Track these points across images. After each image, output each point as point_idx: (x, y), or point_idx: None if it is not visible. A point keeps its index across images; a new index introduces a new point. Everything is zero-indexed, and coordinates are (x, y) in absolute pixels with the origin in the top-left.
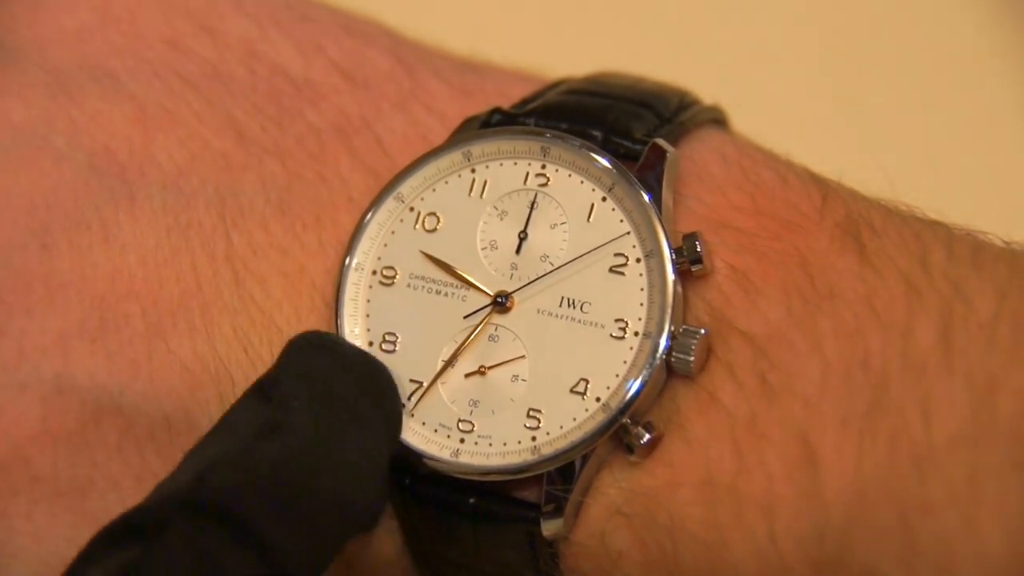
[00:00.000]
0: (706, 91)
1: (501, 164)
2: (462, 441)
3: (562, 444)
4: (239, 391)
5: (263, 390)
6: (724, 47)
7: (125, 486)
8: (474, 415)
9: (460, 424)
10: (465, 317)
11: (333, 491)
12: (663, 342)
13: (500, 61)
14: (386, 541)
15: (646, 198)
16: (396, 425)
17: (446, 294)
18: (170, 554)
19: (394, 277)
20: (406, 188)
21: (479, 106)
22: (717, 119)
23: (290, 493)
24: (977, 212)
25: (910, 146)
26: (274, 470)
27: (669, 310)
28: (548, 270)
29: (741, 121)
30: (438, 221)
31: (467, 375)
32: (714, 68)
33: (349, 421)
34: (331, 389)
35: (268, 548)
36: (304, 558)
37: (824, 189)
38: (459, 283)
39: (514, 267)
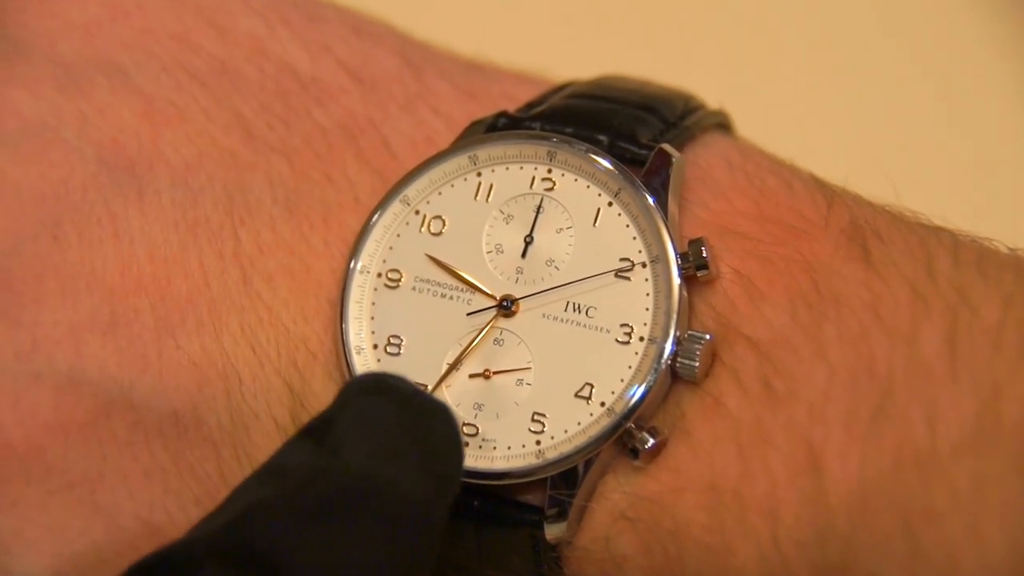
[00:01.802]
0: (711, 95)
1: (507, 168)
2: (466, 444)
3: (566, 448)
4: (246, 389)
5: (314, 431)
6: (729, 51)
7: (134, 480)
8: (479, 419)
9: (465, 427)
10: (470, 319)
11: (379, 543)
12: (668, 347)
13: (506, 63)
14: None
15: (652, 203)
16: (456, 473)
17: (451, 297)
18: None
19: (399, 280)
20: (412, 191)
21: (485, 109)
22: (722, 123)
23: (332, 544)
24: (983, 218)
25: (915, 151)
26: (317, 519)
27: (675, 315)
28: (554, 277)
29: (746, 126)
30: (444, 224)
31: (472, 378)
32: (719, 72)
33: (402, 471)
34: (386, 436)
35: None
36: None
37: (829, 195)
38: (464, 287)
39: (520, 271)
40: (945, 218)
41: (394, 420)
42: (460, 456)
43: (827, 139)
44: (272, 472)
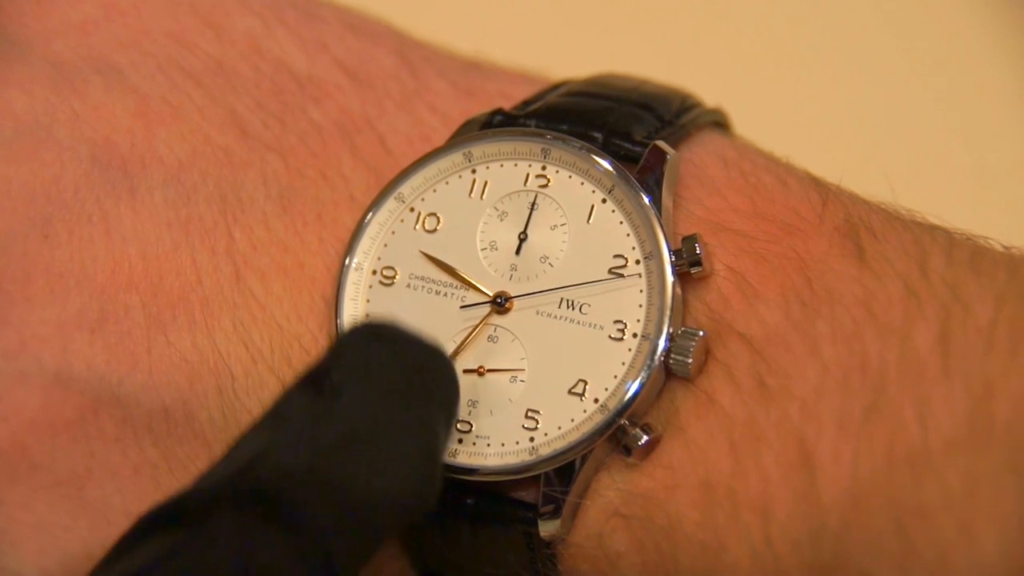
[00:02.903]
0: (709, 94)
1: (502, 165)
2: (460, 441)
3: (560, 445)
4: (238, 386)
5: (313, 379)
6: (727, 50)
7: (123, 476)
8: (472, 415)
9: (458, 424)
10: (464, 316)
11: (383, 482)
12: (662, 344)
13: (506, 63)
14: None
15: (646, 200)
16: (453, 409)
17: (445, 294)
18: (213, 541)
19: (394, 277)
20: (407, 188)
21: (482, 107)
22: (719, 122)
23: (338, 483)
24: (981, 216)
25: (913, 149)
26: (322, 457)
27: (668, 312)
28: (548, 274)
29: (744, 124)
30: (438, 222)
31: (466, 374)
32: (717, 71)
33: (402, 411)
34: (383, 377)
35: (313, 538)
36: (350, 548)
37: (824, 193)
38: (459, 283)
39: (514, 268)
40: (942, 216)
41: (390, 363)
42: (456, 394)
43: (824, 137)
44: (274, 419)
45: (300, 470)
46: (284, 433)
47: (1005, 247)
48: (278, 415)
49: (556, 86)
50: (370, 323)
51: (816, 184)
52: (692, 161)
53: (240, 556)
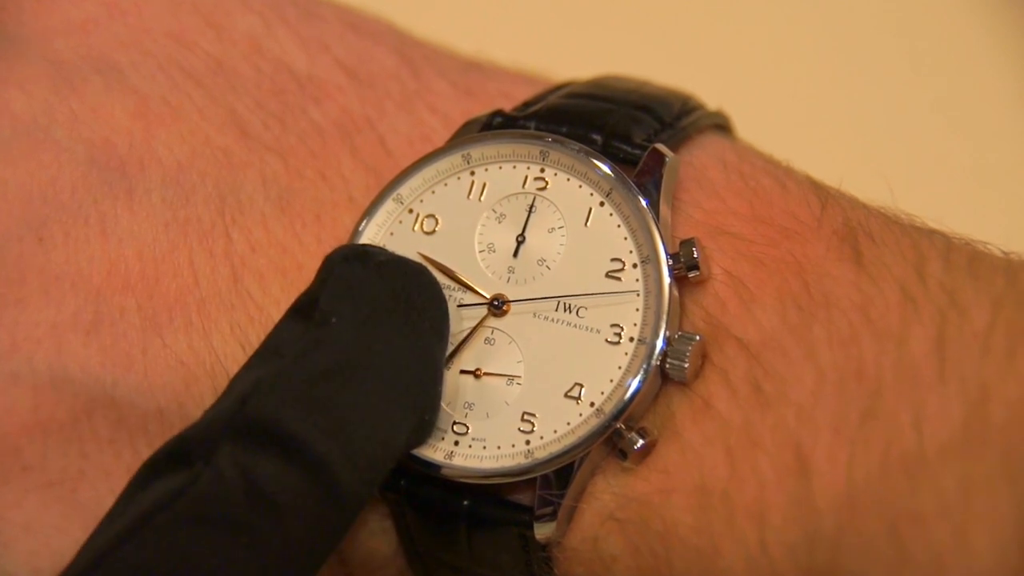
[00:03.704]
0: (710, 95)
1: (500, 167)
2: (456, 443)
3: (555, 448)
4: None
5: (302, 309)
6: (728, 51)
7: (117, 477)
8: (469, 418)
9: (455, 426)
10: (461, 318)
11: (382, 400)
12: (658, 348)
13: (506, 62)
14: (381, 541)
15: (643, 203)
16: (443, 326)
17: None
18: (219, 475)
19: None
20: (405, 190)
21: (483, 107)
22: (720, 125)
23: (337, 405)
24: (982, 220)
25: (914, 153)
26: (318, 384)
27: (665, 316)
28: (545, 277)
29: (745, 126)
30: (437, 223)
31: (462, 375)
32: (718, 72)
33: (393, 329)
34: (371, 299)
35: (318, 462)
36: (357, 469)
37: (823, 197)
38: (456, 285)
39: (511, 270)
40: (941, 218)
41: (378, 286)
42: (446, 313)
43: (825, 139)
44: (268, 351)
45: (296, 398)
46: (278, 363)
47: (1004, 252)
48: (270, 348)
49: (557, 87)
50: (354, 246)
51: (815, 188)
52: (691, 164)
53: (245, 487)
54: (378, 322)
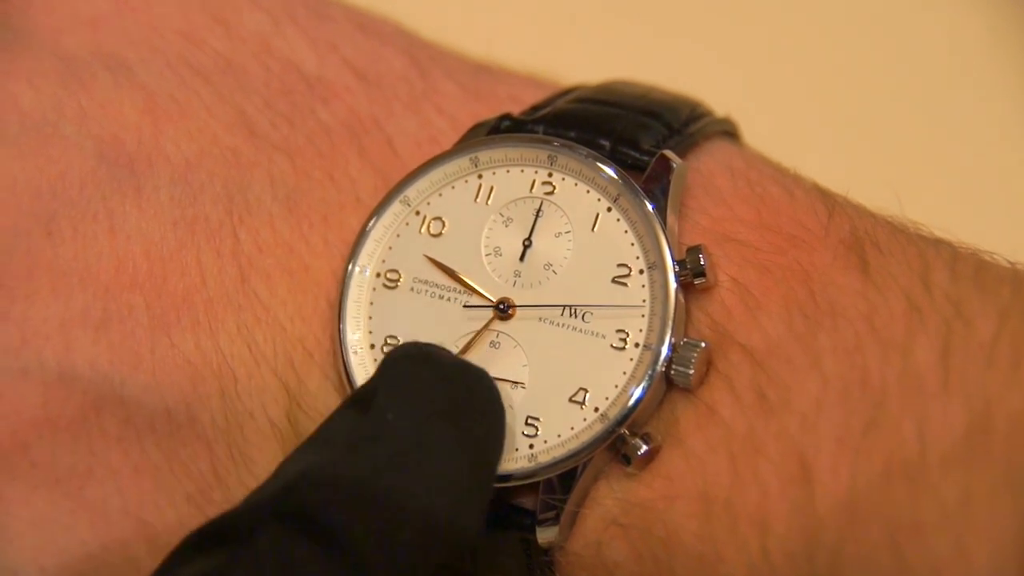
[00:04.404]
0: (720, 101)
1: (508, 171)
2: None
3: (559, 453)
4: (241, 388)
5: (360, 401)
6: (739, 57)
7: (124, 476)
8: None
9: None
10: (467, 322)
11: (428, 504)
12: (663, 354)
13: (516, 65)
14: None
15: (651, 209)
16: (499, 438)
17: (449, 299)
18: (257, 560)
19: (398, 280)
20: (413, 192)
21: (491, 110)
22: (729, 131)
23: (383, 505)
24: (989, 228)
25: (922, 162)
26: (367, 481)
27: (670, 322)
28: (552, 281)
29: (752, 134)
30: (443, 226)
31: None
32: (728, 78)
33: (448, 434)
34: (430, 401)
35: (357, 560)
36: (393, 568)
37: (831, 205)
38: (462, 288)
39: (517, 274)
40: (950, 229)
41: (437, 384)
42: (502, 415)
43: (832, 148)
44: (320, 441)
45: (345, 488)
46: (329, 452)
47: (1010, 263)
48: (324, 436)
49: (565, 92)
50: (418, 345)
51: (823, 196)
52: (699, 171)
53: (281, 574)
54: (434, 425)
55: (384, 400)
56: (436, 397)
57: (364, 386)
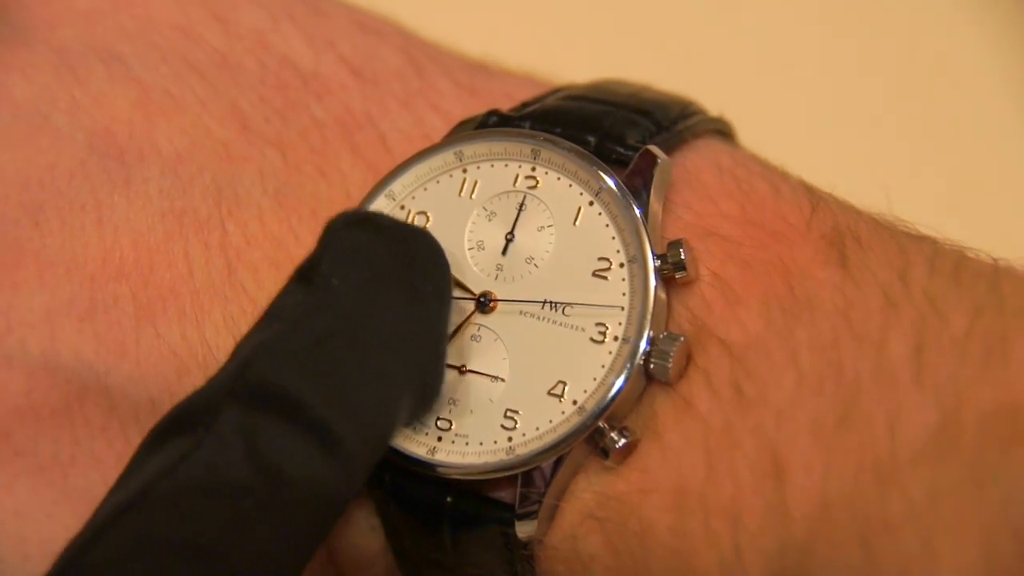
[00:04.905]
0: (718, 100)
1: (492, 165)
2: (439, 439)
3: (537, 446)
4: None
5: (304, 274)
6: (736, 55)
7: (108, 465)
8: (452, 414)
9: (438, 422)
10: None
11: (386, 362)
12: (642, 347)
13: (514, 65)
14: (370, 539)
15: (632, 203)
16: (446, 290)
17: None
18: (221, 440)
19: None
20: (397, 186)
21: (485, 108)
22: (721, 131)
23: (340, 368)
24: (982, 226)
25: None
26: (320, 346)
27: (649, 315)
28: (533, 275)
29: (748, 134)
30: (427, 220)
31: (447, 371)
32: (726, 76)
33: (395, 292)
34: (374, 263)
35: (320, 424)
36: (360, 432)
37: (815, 200)
38: None
39: (499, 268)
40: (940, 228)
41: (379, 248)
42: (448, 275)
43: (822, 146)
44: (269, 318)
45: (297, 361)
46: (280, 326)
47: (993, 259)
48: (273, 312)
49: (556, 90)
50: (357, 211)
51: (809, 191)
52: (685, 166)
53: (247, 451)
54: (380, 285)
55: (327, 267)
56: (380, 258)
57: (307, 258)
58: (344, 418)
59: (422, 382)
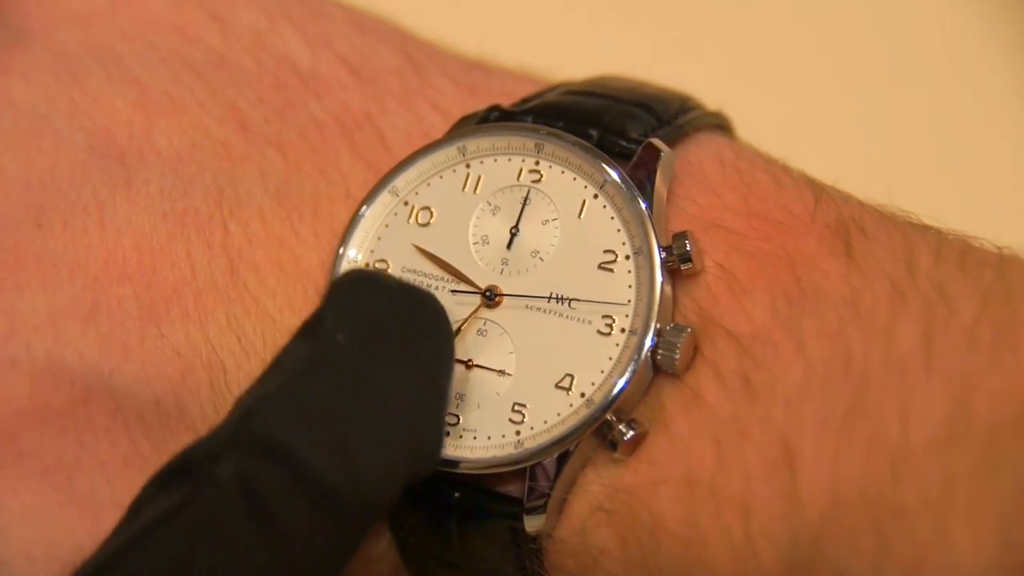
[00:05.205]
0: (715, 96)
1: (495, 160)
2: (447, 434)
3: (545, 439)
4: (231, 379)
5: (309, 329)
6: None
7: (112, 467)
8: (460, 408)
9: (446, 416)
10: (454, 309)
11: (383, 420)
12: (649, 339)
13: (511, 63)
14: (376, 535)
15: (636, 196)
16: (449, 353)
17: (436, 288)
18: (220, 490)
19: (386, 270)
20: (401, 182)
21: (483, 105)
22: (720, 125)
23: (340, 424)
24: (978, 217)
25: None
26: (322, 401)
27: (656, 307)
28: (539, 269)
29: (745, 127)
30: (431, 215)
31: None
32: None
33: (398, 351)
34: (378, 321)
35: (318, 478)
36: (357, 488)
37: (818, 192)
38: (450, 277)
39: (505, 262)
40: (941, 220)
41: (384, 307)
42: (451, 338)
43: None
44: (273, 371)
45: (298, 414)
46: (283, 378)
47: (997, 247)
48: (277, 365)
49: (556, 86)
50: (363, 270)
51: (811, 183)
52: (687, 159)
53: (246, 501)
54: (383, 344)
55: (332, 323)
56: (384, 317)
57: (313, 314)
58: (342, 473)
59: (420, 442)
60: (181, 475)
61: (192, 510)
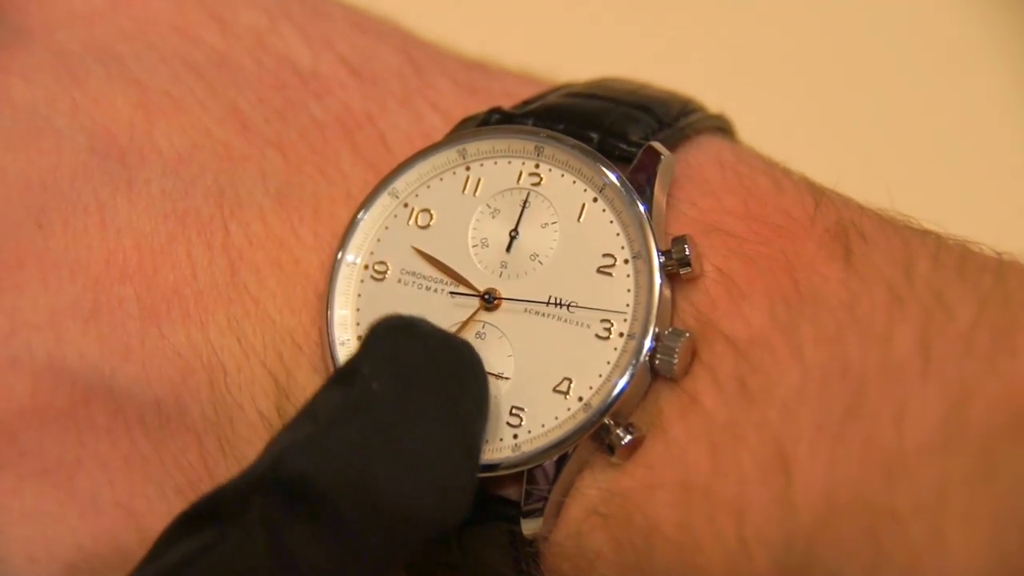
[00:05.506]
0: (718, 98)
1: (495, 163)
2: None
3: (542, 443)
4: (231, 380)
5: (343, 376)
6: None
7: (113, 467)
8: None
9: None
10: (453, 312)
11: (415, 469)
12: (647, 343)
13: (513, 65)
14: None
15: (636, 199)
16: (484, 404)
17: (435, 290)
18: (246, 534)
19: (385, 272)
20: (401, 184)
21: (484, 106)
22: (722, 128)
23: (371, 473)
24: (979, 222)
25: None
26: (353, 450)
27: (654, 312)
28: (538, 272)
29: (747, 131)
30: (431, 218)
31: None
32: (727, 73)
33: (434, 400)
34: (414, 370)
35: (344, 527)
36: (387, 538)
37: (818, 195)
38: (449, 279)
39: (504, 265)
40: (942, 224)
41: (421, 357)
42: (487, 390)
43: (823, 143)
44: (306, 416)
45: (331, 459)
46: (315, 426)
47: (996, 252)
48: (310, 411)
49: (557, 88)
50: (399, 317)
51: (811, 187)
52: (687, 162)
53: (271, 548)
54: (419, 393)
55: (368, 371)
56: (421, 367)
57: (348, 361)
58: (370, 524)
59: (448, 492)
60: (207, 517)
61: (217, 554)
